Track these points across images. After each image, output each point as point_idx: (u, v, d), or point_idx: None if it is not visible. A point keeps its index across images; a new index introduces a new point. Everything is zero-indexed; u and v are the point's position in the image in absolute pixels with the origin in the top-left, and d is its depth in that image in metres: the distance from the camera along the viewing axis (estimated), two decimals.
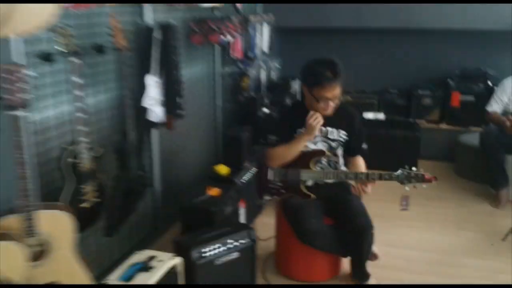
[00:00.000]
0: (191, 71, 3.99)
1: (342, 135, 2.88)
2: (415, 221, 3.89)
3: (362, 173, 2.75)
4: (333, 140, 2.87)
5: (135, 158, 2.96)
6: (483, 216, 4.09)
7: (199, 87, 4.20)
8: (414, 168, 2.67)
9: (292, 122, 2.85)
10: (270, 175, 2.95)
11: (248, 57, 4.64)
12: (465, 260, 3.37)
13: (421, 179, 2.63)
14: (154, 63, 3.14)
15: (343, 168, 2.96)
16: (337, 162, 2.92)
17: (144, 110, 3.10)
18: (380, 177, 2.68)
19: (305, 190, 2.85)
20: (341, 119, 2.88)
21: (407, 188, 2.68)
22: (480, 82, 5.09)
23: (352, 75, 5.83)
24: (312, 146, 2.87)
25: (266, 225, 3.48)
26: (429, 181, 2.64)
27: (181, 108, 3.42)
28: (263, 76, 5.02)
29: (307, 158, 2.85)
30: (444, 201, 4.32)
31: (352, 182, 2.84)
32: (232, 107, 4.76)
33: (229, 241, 2.73)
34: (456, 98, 5.16)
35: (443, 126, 5.32)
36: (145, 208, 3.45)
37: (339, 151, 2.92)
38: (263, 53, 4.96)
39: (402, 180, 2.65)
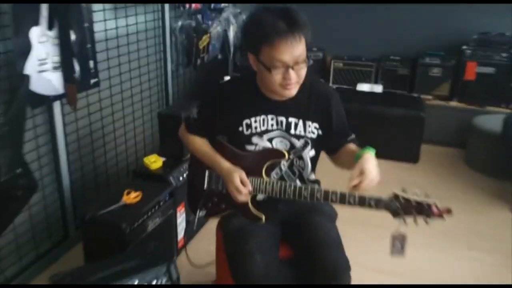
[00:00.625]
0: (124, 22, 2.97)
1: (312, 129, 1.90)
2: (411, 235, 2.93)
3: (334, 192, 1.76)
4: (298, 137, 1.89)
5: (6, 151, 1.99)
6: (503, 228, 3.14)
7: (139, 46, 3.18)
8: (417, 191, 1.67)
9: (230, 110, 1.87)
10: (206, 183, 1.99)
11: (211, 8, 3.59)
12: None
13: (426, 212, 1.64)
14: (45, 9, 2.13)
15: (312, 177, 1.98)
16: (302, 169, 1.94)
17: (25, 79, 2.10)
18: (362, 203, 1.70)
19: (252, 209, 1.88)
20: (310, 105, 1.88)
21: (402, 226, 1.68)
22: (502, 50, 4.17)
23: (347, 39, 5.15)
24: (265, 143, 1.88)
25: (209, 243, 2.52)
26: (439, 216, 1.65)
27: (94, 75, 2.42)
28: (231, 34, 3.96)
29: (257, 161, 1.87)
30: (451, 204, 3.35)
31: (317, 194, 1.81)
32: (190, 75, 3.76)
33: (136, 283, 1.80)
34: (472, 70, 4.25)
35: (454, 103, 4.39)
36: (48, 214, 2.55)
37: (307, 153, 1.93)
38: (233, 3, 3.90)
39: (395, 211, 1.67)
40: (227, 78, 3.61)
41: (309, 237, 1.86)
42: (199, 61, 3.53)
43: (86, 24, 2.37)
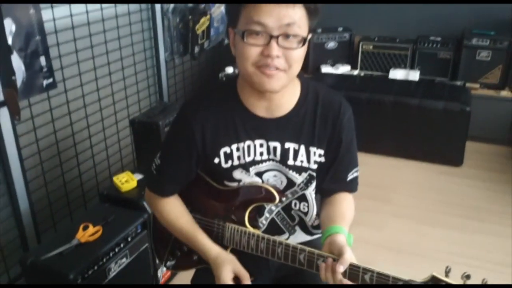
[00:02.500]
0: (98, 5, 2.44)
1: (317, 158, 1.32)
2: (443, 261, 2.33)
3: (354, 265, 1.17)
4: (299, 170, 1.32)
5: None
6: None
7: (120, 34, 2.64)
8: (468, 273, 1.04)
9: (202, 138, 1.30)
10: None
11: None
12: None
13: None
14: None
15: (317, 222, 1.41)
16: (305, 214, 1.38)
17: None
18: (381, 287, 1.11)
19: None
20: (316, 123, 1.30)
21: None
22: None
23: (378, 17, 4.47)
24: (252, 179, 1.32)
25: None
26: None
27: (47, 75, 1.90)
28: None
29: (238, 204, 1.32)
30: (502, 220, 2.74)
31: (318, 261, 1.21)
32: (188, 66, 3.20)
33: None
34: None
35: (506, 93, 3.73)
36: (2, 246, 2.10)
37: (312, 191, 1.36)
38: None
39: None
40: (228, 69, 3.03)
41: None
42: (197, 49, 2.96)
43: (31, 10, 1.84)
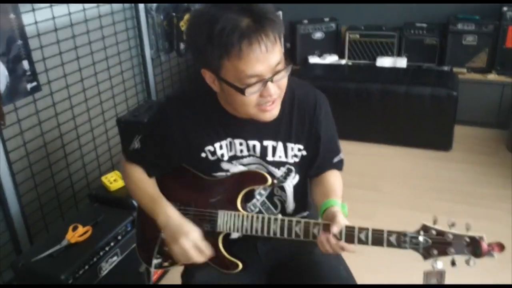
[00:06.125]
0: (81, 6, 2.44)
1: (295, 152, 1.36)
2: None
3: (349, 227, 1.21)
4: (278, 165, 1.35)
5: None
6: None
7: (104, 33, 2.65)
8: (453, 220, 1.11)
9: (182, 139, 1.33)
10: None
11: None
12: None
13: (471, 250, 1.10)
14: None
15: (291, 207, 1.44)
16: (284, 202, 1.41)
17: None
18: (378, 241, 1.16)
19: (225, 253, 1.36)
20: (292, 120, 1.34)
21: (437, 265, 1.14)
22: None
23: (364, 6, 4.37)
24: (239, 167, 1.35)
25: None
26: (488, 253, 1.10)
27: (31, 78, 1.91)
28: None
29: (230, 189, 1.35)
30: (492, 204, 2.76)
31: (314, 230, 1.26)
32: (175, 62, 3.21)
33: None
34: None
35: (493, 77, 3.75)
36: None
37: (290, 181, 1.39)
38: None
39: (426, 251, 1.13)
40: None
41: (310, 282, 1.37)
42: (182, 45, 2.97)
43: (11, 15, 1.84)
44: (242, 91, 1.14)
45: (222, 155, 1.33)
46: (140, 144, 1.39)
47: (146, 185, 1.40)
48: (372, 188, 3.01)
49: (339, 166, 1.44)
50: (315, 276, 1.39)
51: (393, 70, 3.78)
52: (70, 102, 2.46)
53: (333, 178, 1.41)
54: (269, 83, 1.15)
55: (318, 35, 4.05)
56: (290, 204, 1.42)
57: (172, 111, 1.34)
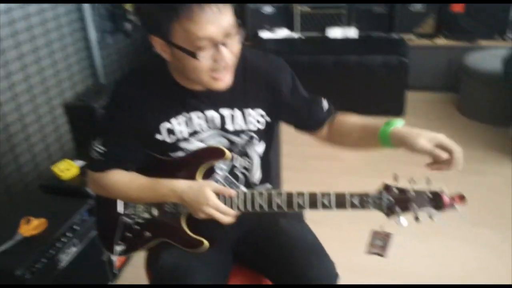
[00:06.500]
0: None
1: (257, 118, 1.33)
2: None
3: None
4: (238, 133, 1.32)
5: None
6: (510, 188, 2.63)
7: (44, 17, 2.51)
8: (412, 177, 1.13)
9: (139, 116, 1.27)
10: (120, 205, 1.42)
11: None
12: None
13: (433, 204, 1.11)
14: None
15: (257, 176, 1.41)
16: (248, 170, 1.38)
17: None
18: (341, 204, 1.17)
19: (189, 231, 1.33)
20: (246, 86, 1.30)
21: (400, 221, 1.14)
22: None
23: None
24: (196, 144, 1.30)
25: None
26: (450, 205, 1.10)
27: None
28: None
29: (186, 169, 1.31)
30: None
31: (298, 200, 1.22)
32: (123, 44, 3.09)
33: None
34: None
35: (440, 41, 3.84)
36: None
37: (255, 148, 1.36)
38: None
39: (389, 209, 1.14)
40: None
41: (278, 250, 1.36)
42: (129, 26, 2.86)
43: None
44: (193, 55, 1.09)
45: (181, 132, 1.27)
46: (103, 146, 1.31)
47: (134, 180, 1.32)
48: (333, 158, 3.02)
49: (331, 110, 1.40)
50: (283, 243, 1.37)
51: (345, 41, 3.79)
52: (13, 91, 2.33)
53: (346, 118, 1.38)
54: (222, 47, 1.11)
55: (267, 9, 4.00)
56: (256, 174, 1.39)
57: (122, 97, 1.27)
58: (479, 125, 3.32)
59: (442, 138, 1.12)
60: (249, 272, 1.47)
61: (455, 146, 1.11)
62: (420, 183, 1.13)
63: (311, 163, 3.01)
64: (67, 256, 1.79)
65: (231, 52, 1.14)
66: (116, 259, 2.05)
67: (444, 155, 1.10)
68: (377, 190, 1.14)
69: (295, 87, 1.36)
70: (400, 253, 1.82)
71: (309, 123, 1.39)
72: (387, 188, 1.13)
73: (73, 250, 1.82)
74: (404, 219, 1.13)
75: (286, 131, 1.57)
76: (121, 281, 2.13)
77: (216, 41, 1.09)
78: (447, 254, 2.22)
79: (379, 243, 1.31)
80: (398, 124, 1.20)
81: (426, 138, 1.12)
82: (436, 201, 1.11)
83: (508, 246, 2.23)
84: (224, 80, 1.18)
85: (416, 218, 1.12)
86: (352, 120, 1.37)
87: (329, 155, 3.06)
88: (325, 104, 1.40)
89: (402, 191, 1.12)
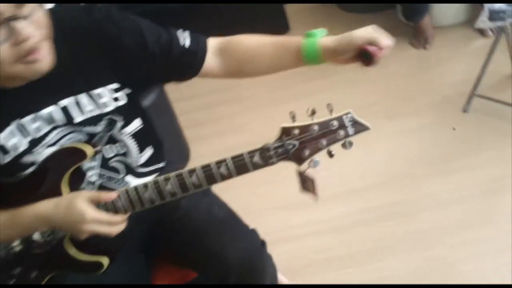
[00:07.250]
0: None
1: (111, 95, 1.06)
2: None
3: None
4: (92, 121, 1.06)
5: None
6: (416, 72, 2.59)
7: None
8: (312, 109, 0.89)
9: None
10: None
11: None
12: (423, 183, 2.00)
13: (342, 134, 0.89)
14: None
15: (141, 160, 1.17)
16: (126, 155, 1.13)
17: None
18: (242, 168, 0.93)
19: (78, 253, 1.09)
20: (79, 60, 1.01)
21: (315, 164, 0.93)
22: None
23: None
24: (46, 152, 1.02)
25: None
26: (362, 130, 0.91)
27: None
28: None
29: (49, 177, 1.04)
30: (343, 71, 2.67)
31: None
32: None
33: None
34: None
35: None
36: None
37: (126, 129, 1.10)
38: None
39: (297, 156, 0.91)
40: None
41: (188, 238, 1.19)
42: None
43: None
44: None
45: (16, 146, 0.99)
46: None
47: None
48: (235, 99, 2.79)
49: (200, 39, 1.11)
50: (190, 230, 1.20)
51: None
52: None
53: (241, 37, 1.13)
54: (16, 23, 0.84)
55: None
56: (139, 155, 1.16)
57: None
58: (364, 17, 3.19)
59: (375, 27, 0.97)
60: (173, 268, 1.28)
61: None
62: (322, 111, 0.91)
63: (214, 112, 2.76)
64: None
65: (34, 25, 0.86)
66: None
67: (386, 39, 0.95)
68: (276, 138, 0.91)
69: (140, 32, 1.04)
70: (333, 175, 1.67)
71: (184, 67, 1.10)
72: (287, 132, 0.90)
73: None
74: (318, 160, 0.92)
75: (171, 88, 1.31)
76: None
77: (4, 17, 0.82)
78: (379, 157, 2.17)
79: (310, 187, 1.08)
80: (322, 34, 1.01)
81: (360, 30, 0.97)
82: (344, 129, 0.90)
83: (427, 127, 2.23)
84: (43, 61, 0.91)
85: (330, 154, 0.92)
86: (254, 40, 1.11)
87: (229, 97, 2.81)
88: (185, 36, 1.09)
89: (304, 130, 0.90)
